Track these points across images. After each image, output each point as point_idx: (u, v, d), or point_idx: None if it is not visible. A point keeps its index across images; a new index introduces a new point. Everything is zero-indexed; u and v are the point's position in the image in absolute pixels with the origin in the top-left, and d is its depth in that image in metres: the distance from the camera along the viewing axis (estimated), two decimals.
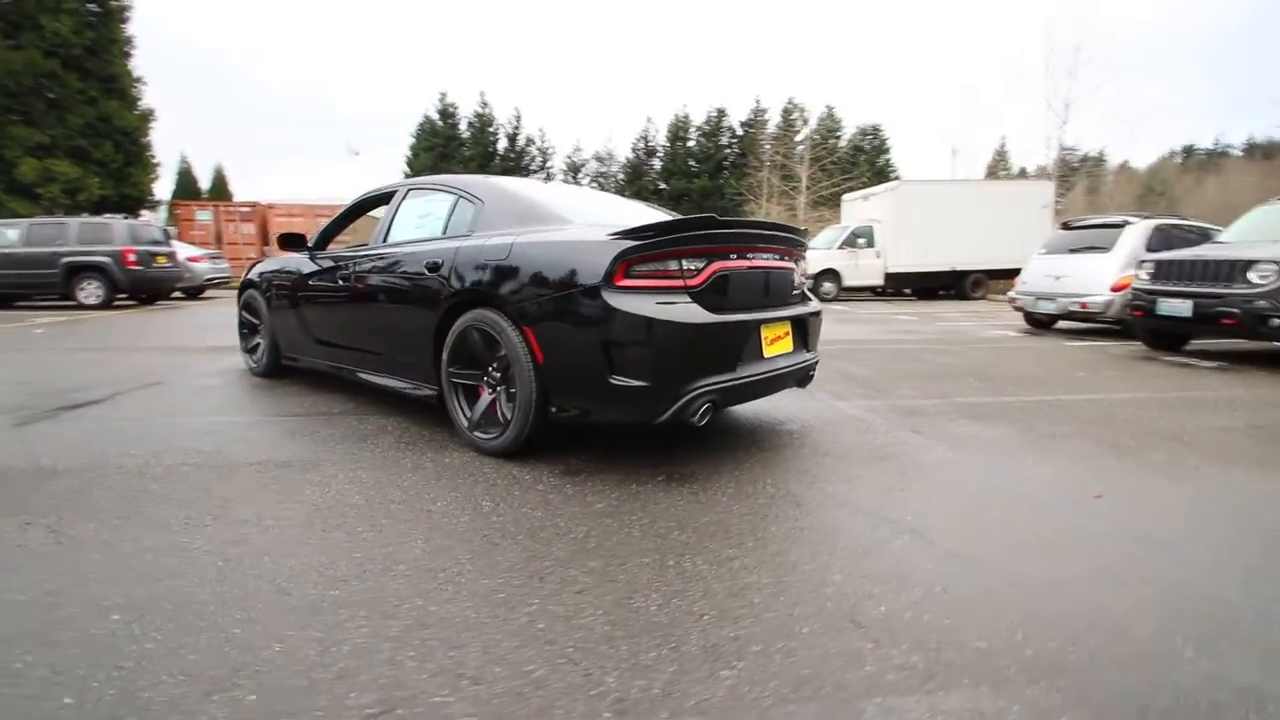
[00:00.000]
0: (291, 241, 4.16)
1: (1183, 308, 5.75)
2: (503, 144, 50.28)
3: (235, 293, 5.22)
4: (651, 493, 2.42)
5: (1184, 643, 1.49)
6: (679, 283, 2.46)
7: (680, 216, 2.58)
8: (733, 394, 2.65)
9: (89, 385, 4.29)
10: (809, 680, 1.34)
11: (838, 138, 45.00)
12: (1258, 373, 5.32)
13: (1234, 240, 6.29)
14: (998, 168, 54.28)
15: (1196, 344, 6.77)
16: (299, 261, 4.19)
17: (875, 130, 47.57)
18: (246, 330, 4.85)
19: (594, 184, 52.48)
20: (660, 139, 50.28)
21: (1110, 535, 2.10)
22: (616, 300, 2.37)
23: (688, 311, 2.43)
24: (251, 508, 2.23)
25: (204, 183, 29.90)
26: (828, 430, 3.37)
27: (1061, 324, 8.91)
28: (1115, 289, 7.58)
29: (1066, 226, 8.84)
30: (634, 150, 50.54)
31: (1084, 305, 7.77)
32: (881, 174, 45.94)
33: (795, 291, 3.13)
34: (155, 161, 20.53)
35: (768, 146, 46.72)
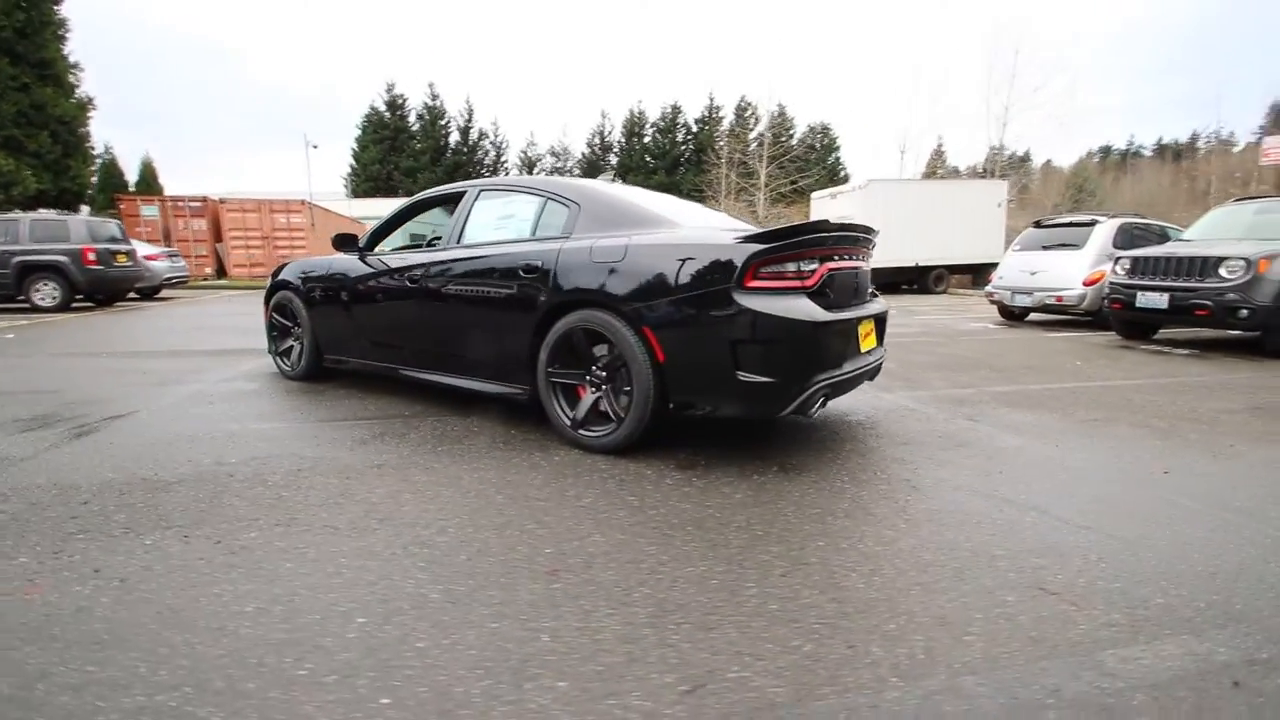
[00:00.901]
0: (346, 242, 4.09)
1: (1159, 300, 6.28)
2: (454, 137, 49.27)
3: (258, 293, 5.04)
4: (777, 483, 2.55)
5: None
6: (797, 283, 2.60)
7: (796, 222, 2.70)
8: (839, 388, 2.81)
9: (115, 394, 4.09)
10: (1041, 640, 1.51)
11: (790, 136, 46.01)
12: (1226, 358, 5.87)
13: (1198, 239, 6.90)
14: (936, 167, 56.62)
15: (1164, 333, 7.39)
16: (347, 263, 4.12)
17: (825, 129, 48.92)
18: (278, 333, 4.71)
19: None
20: (616, 135, 50.33)
21: (1199, 505, 2.36)
22: (747, 301, 2.49)
23: (810, 310, 2.57)
24: (402, 509, 2.24)
25: (130, 175, 27.90)
26: (892, 421, 3.58)
27: (1033, 316, 9.52)
28: (1087, 283, 8.17)
29: (1039, 225, 9.43)
30: (590, 145, 50.39)
31: (1060, 299, 8.34)
32: (832, 172, 47.36)
33: (871, 290, 3.32)
34: (95, 153, 19.19)
35: (722, 144, 47.37)
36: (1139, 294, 6.48)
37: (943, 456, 2.93)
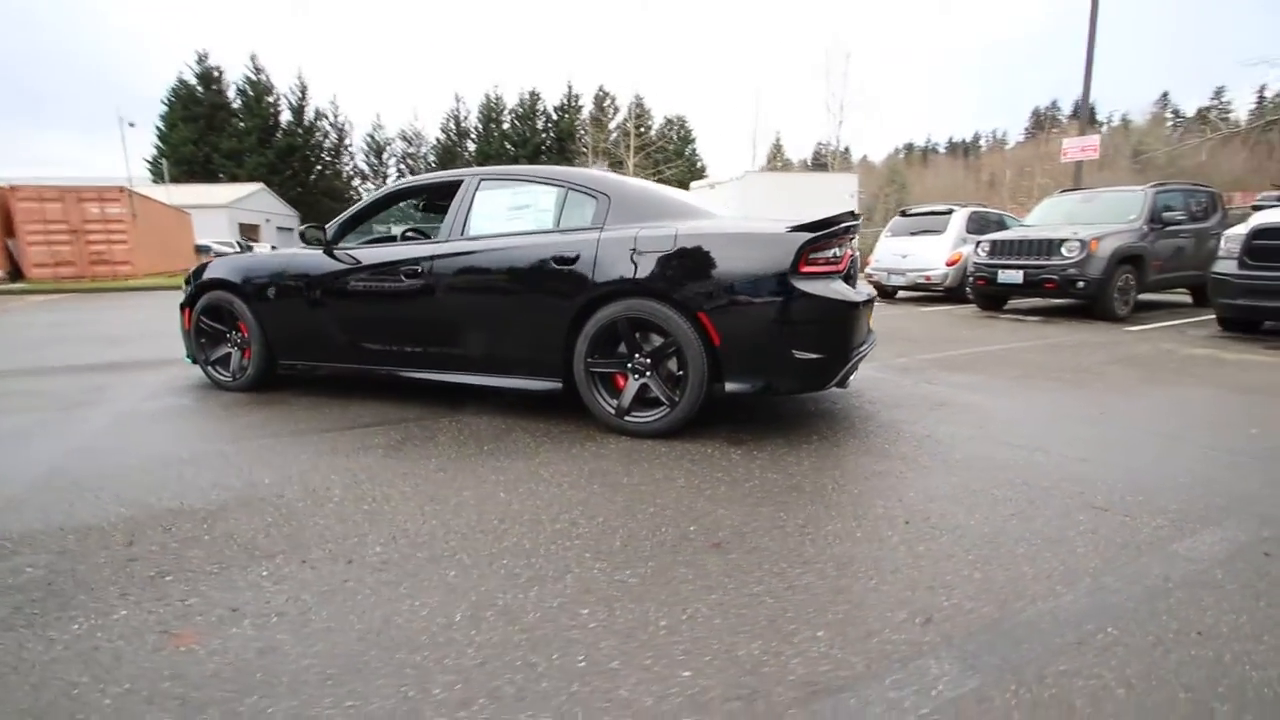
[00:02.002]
0: (314, 236, 3.70)
1: (1016, 276, 7.51)
2: (286, 117, 44.42)
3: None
4: (828, 450, 2.82)
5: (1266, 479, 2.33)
6: (835, 268, 2.87)
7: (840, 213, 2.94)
8: (858, 362, 3.14)
9: (23, 425, 3.40)
10: (1127, 544, 1.90)
11: (649, 128, 47.19)
12: (1068, 321, 7.20)
13: (1037, 224, 8.31)
14: (776, 159, 61.10)
15: (1012, 304, 8.81)
16: (310, 259, 3.74)
17: (682, 121, 50.74)
18: (206, 340, 4.15)
19: (403, 166, 48.75)
20: (473, 120, 48.39)
21: (1142, 435, 3.00)
22: (803, 285, 2.72)
23: (848, 291, 2.86)
24: (511, 506, 2.19)
25: None
26: (871, 388, 4.03)
27: (901, 293, 10.86)
28: (949, 263, 9.49)
29: (904, 214, 10.73)
30: (444, 131, 48.05)
31: (928, 278, 9.60)
32: (690, 163, 49.33)
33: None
34: None
35: (583, 133, 47.42)
36: (999, 271, 7.69)
37: (934, 415, 3.39)
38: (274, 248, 34.87)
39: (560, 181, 3.27)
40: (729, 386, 2.87)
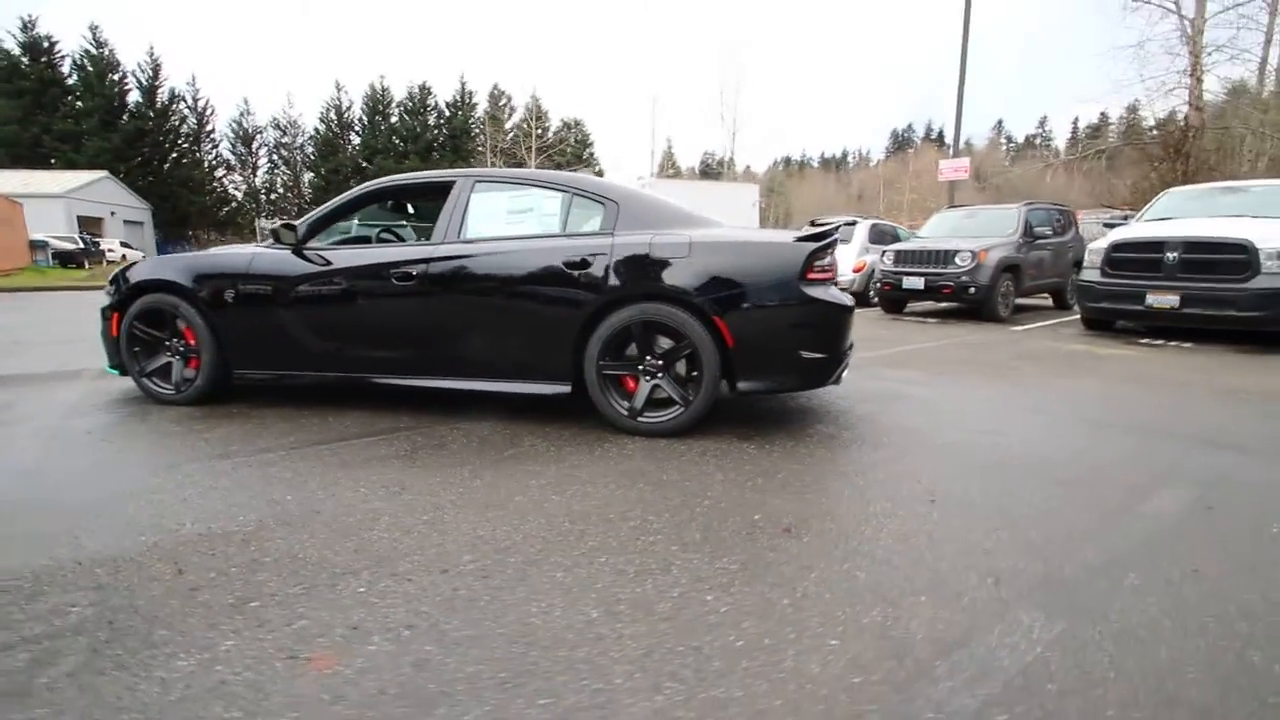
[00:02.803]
0: (286, 235, 3.44)
1: (918, 283, 8.37)
2: (135, 97, 39.46)
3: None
4: (833, 444, 3.07)
5: (1188, 428, 2.87)
6: (829, 275, 3.14)
7: (826, 225, 3.21)
8: (848, 361, 3.43)
9: None
10: (1104, 511, 2.29)
11: (546, 128, 46.81)
12: (962, 323, 8.12)
13: (931, 235, 9.29)
14: (667, 166, 62.79)
15: (910, 307, 9.77)
16: (276, 259, 3.48)
17: (579, 124, 50.78)
18: (140, 349, 3.72)
19: (276, 156, 44.85)
20: (357, 111, 45.52)
21: (1073, 420, 3.53)
22: (810, 290, 2.96)
23: (842, 296, 3.15)
24: (583, 503, 2.23)
25: None
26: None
27: None
28: (855, 270, 10.33)
29: (813, 224, 11.52)
30: (324, 121, 44.82)
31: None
32: (589, 167, 49.46)
33: None
34: None
35: (478, 131, 46.31)
36: (904, 278, 8.53)
37: (898, 407, 3.78)
38: (125, 244, 30.54)
39: (564, 187, 3.30)
40: (741, 386, 3.05)
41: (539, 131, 38.19)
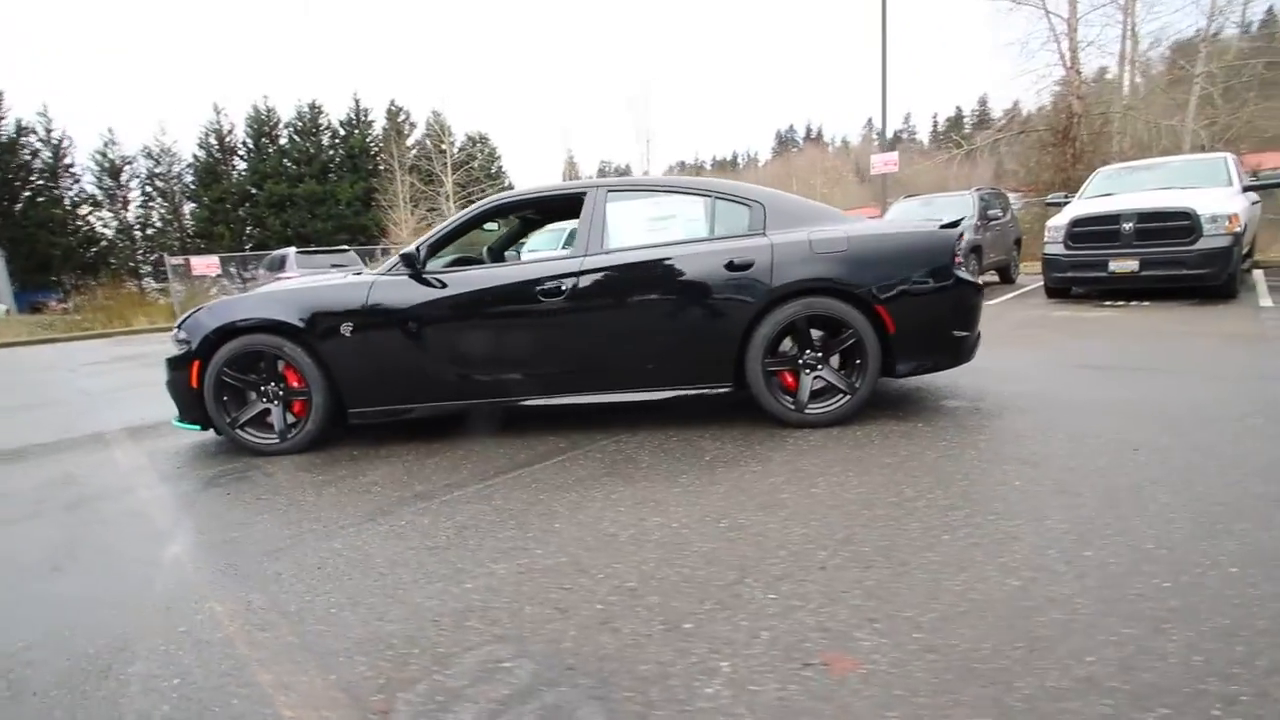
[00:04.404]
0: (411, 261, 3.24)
1: None
2: None
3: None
4: (977, 413, 3.31)
5: (1218, 375, 3.32)
6: (961, 258, 3.38)
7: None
8: None
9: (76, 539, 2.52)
10: (1186, 469, 2.64)
11: (451, 143, 45.44)
12: None
13: (898, 221, 9.96)
14: (569, 175, 62.78)
15: None
16: (395, 287, 3.28)
17: (484, 138, 49.67)
18: (229, 398, 3.39)
19: (150, 187, 40.71)
20: (240, 134, 42.18)
21: (1129, 363, 3.98)
22: (960, 273, 3.18)
23: (975, 277, 3.39)
24: (847, 504, 2.30)
25: None
26: None
27: None
28: None
29: None
30: (204, 147, 41.20)
31: None
32: (497, 183, 48.49)
33: None
34: None
35: (377, 149, 44.53)
36: None
37: (982, 379, 4.09)
38: None
39: (706, 191, 3.35)
40: (900, 369, 3.22)
41: (439, 148, 36.98)
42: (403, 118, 45.99)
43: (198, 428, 3.48)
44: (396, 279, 3.32)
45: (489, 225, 4.09)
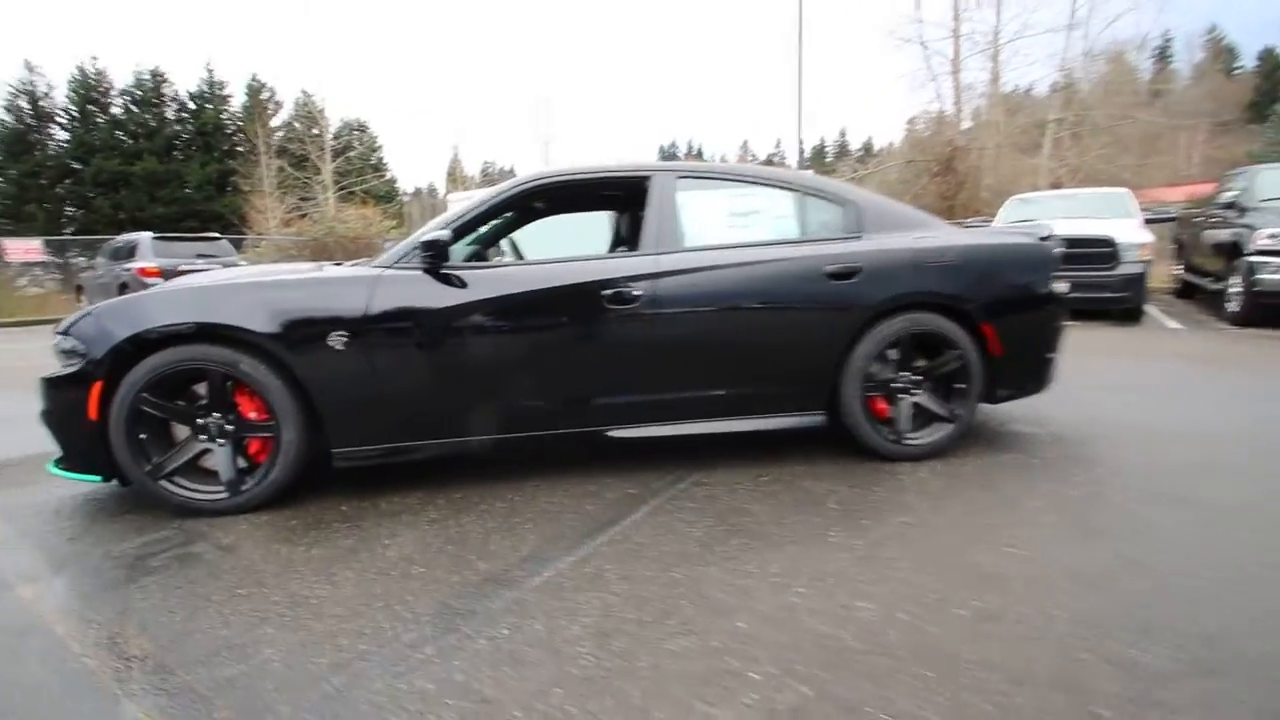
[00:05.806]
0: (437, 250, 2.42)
1: None
2: None
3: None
4: (1076, 432, 3.10)
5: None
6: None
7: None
8: None
9: None
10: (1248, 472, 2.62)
11: (326, 128, 41.47)
12: None
13: None
14: (455, 176, 60.69)
15: None
16: (408, 283, 2.47)
17: (363, 126, 45.94)
18: (149, 434, 2.39)
19: None
20: (60, 98, 35.66)
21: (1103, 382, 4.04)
22: (1058, 289, 2.93)
23: None
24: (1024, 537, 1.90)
25: None
26: None
27: None
28: None
29: None
30: (11, 111, 34.39)
31: None
32: (377, 170, 45.04)
33: None
34: None
35: (234, 129, 40.28)
36: None
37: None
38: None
39: (796, 185, 2.87)
40: (1001, 394, 2.92)
41: (315, 131, 33.63)
42: (266, 95, 41.39)
43: (95, 478, 2.42)
44: (410, 274, 2.50)
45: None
